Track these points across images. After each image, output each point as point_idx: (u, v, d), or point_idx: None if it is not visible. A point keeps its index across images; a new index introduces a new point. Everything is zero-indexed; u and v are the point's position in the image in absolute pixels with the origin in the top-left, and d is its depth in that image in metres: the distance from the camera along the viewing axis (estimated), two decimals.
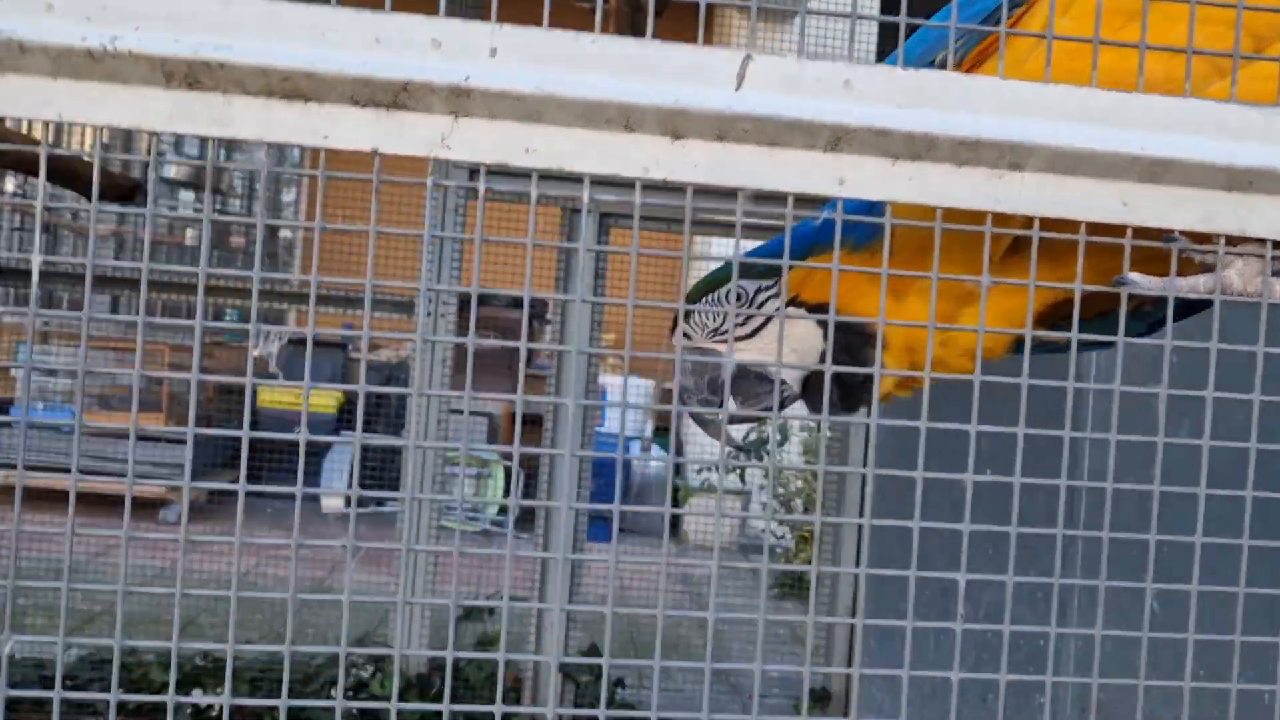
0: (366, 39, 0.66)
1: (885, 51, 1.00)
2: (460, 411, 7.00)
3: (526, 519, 5.83)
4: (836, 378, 0.88)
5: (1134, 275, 0.76)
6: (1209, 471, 0.77)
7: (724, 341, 0.92)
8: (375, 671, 3.98)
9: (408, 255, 4.69)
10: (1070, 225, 0.74)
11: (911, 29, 0.93)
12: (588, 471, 4.20)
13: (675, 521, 7.34)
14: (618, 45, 0.68)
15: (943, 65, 0.86)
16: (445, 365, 3.90)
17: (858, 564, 4.24)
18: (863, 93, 0.70)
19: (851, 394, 0.90)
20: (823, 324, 0.89)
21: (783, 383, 0.91)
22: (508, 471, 7.24)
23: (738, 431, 0.96)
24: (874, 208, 0.87)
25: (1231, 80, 0.80)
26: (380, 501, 6.67)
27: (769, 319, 0.91)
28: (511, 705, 3.86)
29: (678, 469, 7.86)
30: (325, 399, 7.53)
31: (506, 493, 7.41)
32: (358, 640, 4.18)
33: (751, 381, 0.91)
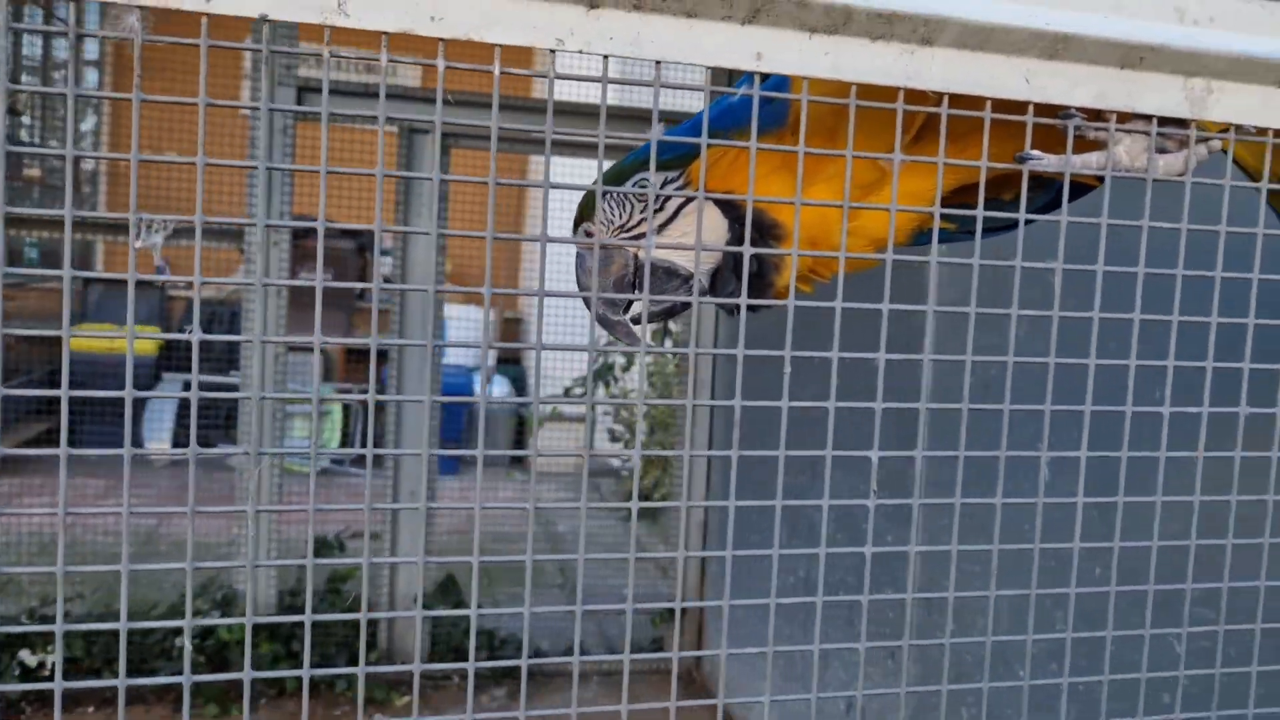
0: None
1: None
2: (296, 349, 6.72)
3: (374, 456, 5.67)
4: (736, 272, 0.87)
5: (1036, 152, 0.78)
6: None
7: (631, 237, 0.90)
8: (223, 616, 3.82)
9: (231, 178, 4.42)
10: (973, 103, 0.75)
11: None
12: (435, 406, 4.11)
13: (521, 446, 7.32)
14: None
15: None
16: (281, 297, 3.72)
17: (707, 489, 4.34)
18: None
19: (755, 290, 0.88)
20: (728, 214, 0.87)
21: (690, 278, 0.89)
22: (345, 409, 7.04)
23: (645, 331, 0.94)
24: (781, 85, 0.86)
25: None
26: (209, 445, 6.37)
27: (676, 212, 0.89)
28: (371, 655, 3.77)
29: (520, 395, 7.83)
30: (143, 341, 7.10)
31: (345, 430, 7.21)
32: (203, 586, 4.01)
33: (660, 277, 0.89)
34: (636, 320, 0.91)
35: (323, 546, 4.29)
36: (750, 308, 0.79)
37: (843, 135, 0.75)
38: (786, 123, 0.88)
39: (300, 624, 3.43)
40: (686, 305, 0.90)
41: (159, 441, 6.75)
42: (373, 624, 4.06)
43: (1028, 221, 0.82)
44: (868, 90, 0.72)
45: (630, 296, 0.89)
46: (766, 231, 0.86)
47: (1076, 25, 0.73)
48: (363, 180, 4.19)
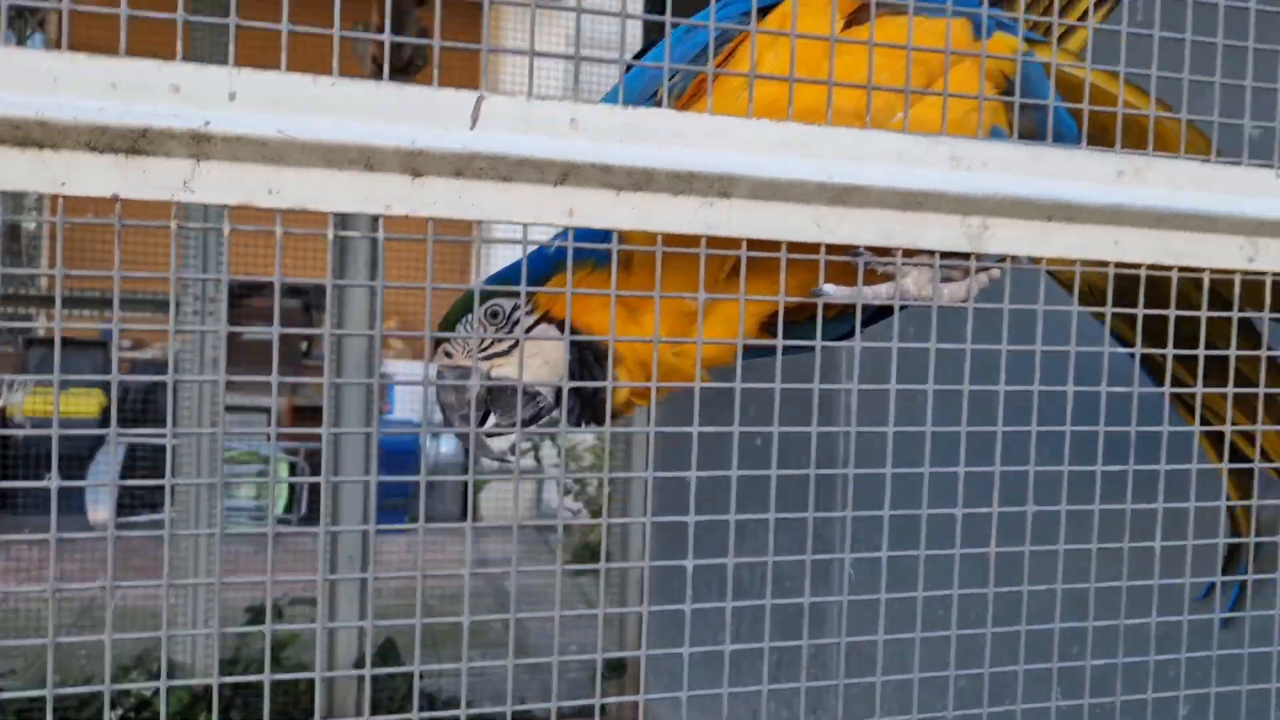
0: (102, 85, 0.67)
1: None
2: (236, 409, 6.69)
3: (314, 513, 5.65)
4: (578, 392, 0.97)
5: (828, 287, 0.87)
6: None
7: (486, 359, 0.98)
8: (156, 691, 3.80)
9: (162, 239, 4.47)
10: (778, 245, 0.84)
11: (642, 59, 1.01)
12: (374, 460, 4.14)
13: (468, 502, 7.34)
14: (357, 87, 0.72)
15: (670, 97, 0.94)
16: (215, 361, 3.75)
17: (644, 552, 4.40)
18: (587, 130, 0.77)
19: (594, 406, 0.97)
20: (571, 360, 0.97)
21: (539, 395, 0.97)
22: (291, 467, 7.01)
23: (503, 442, 1.02)
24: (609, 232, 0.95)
25: (934, 106, 0.93)
26: (154, 508, 6.32)
27: (527, 334, 0.98)
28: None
29: (469, 453, 7.84)
30: (86, 402, 7.04)
31: (291, 488, 7.18)
32: (139, 658, 3.99)
33: (509, 395, 0.97)
34: (493, 435, 0.99)
35: (262, 614, 4.28)
36: (596, 420, 0.90)
37: (669, 270, 0.84)
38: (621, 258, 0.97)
39: (236, 695, 3.40)
40: (538, 416, 0.98)
41: (102, 506, 6.69)
42: (311, 690, 4.05)
43: (805, 349, 0.92)
44: (677, 235, 0.82)
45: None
46: (602, 357, 0.96)
47: (860, 177, 0.82)
48: (300, 237, 4.25)
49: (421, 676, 4.44)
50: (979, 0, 1.02)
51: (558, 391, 0.98)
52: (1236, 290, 0.97)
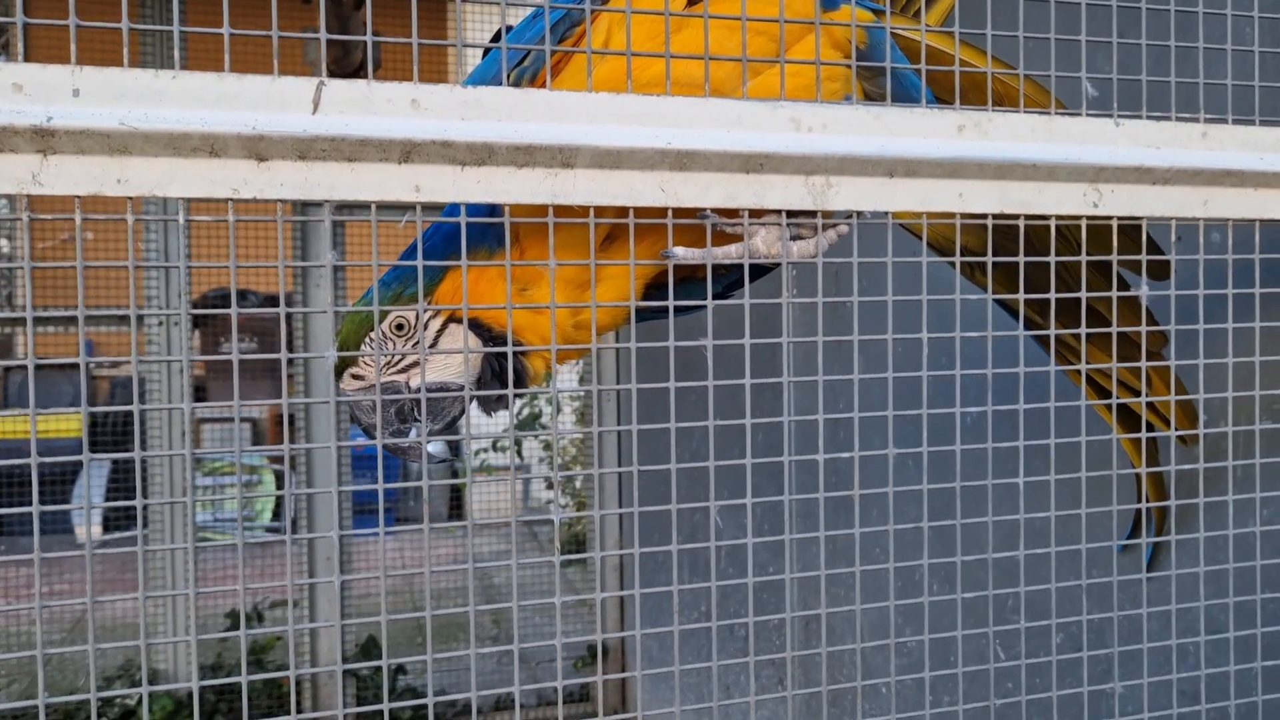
0: None
1: None
2: (217, 420, 6.72)
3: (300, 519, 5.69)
4: (495, 374, 1.00)
5: (677, 249, 0.91)
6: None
7: (400, 372, 1.01)
8: (140, 698, 3.84)
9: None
10: (659, 212, 0.88)
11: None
12: (348, 466, 4.19)
13: (458, 502, 7.38)
14: (197, 79, 0.76)
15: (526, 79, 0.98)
16: (185, 375, 3.77)
17: (620, 536, 4.44)
18: (429, 109, 0.80)
19: (517, 384, 1.01)
20: (475, 331, 1.00)
21: (464, 387, 1.00)
22: (277, 476, 7.04)
23: (438, 446, 1.05)
24: (495, 209, 0.99)
25: (780, 73, 0.96)
26: (142, 521, 6.33)
27: (436, 339, 1.01)
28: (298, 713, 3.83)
29: (455, 452, 7.89)
30: (69, 421, 7.06)
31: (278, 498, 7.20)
32: (123, 667, 4.02)
33: (432, 401, 1.00)
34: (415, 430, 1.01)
35: (237, 620, 4.32)
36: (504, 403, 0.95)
37: (556, 244, 0.89)
38: (510, 238, 1.00)
39: (220, 703, 3.43)
40: (463, 412, 1.02)
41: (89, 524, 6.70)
42: (297, 689, 4.09)
43: (697, 308, 0.96)
44: (567, 207, 0.86)
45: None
46: (506, 340, 0.99)
47: (699, 142, 0.86)
48: (264, 250, 4.28)
49: (405, 671, 4.47)
50: None
51: (476, 383, 1.01)
52: (1114, 239, 1.01)
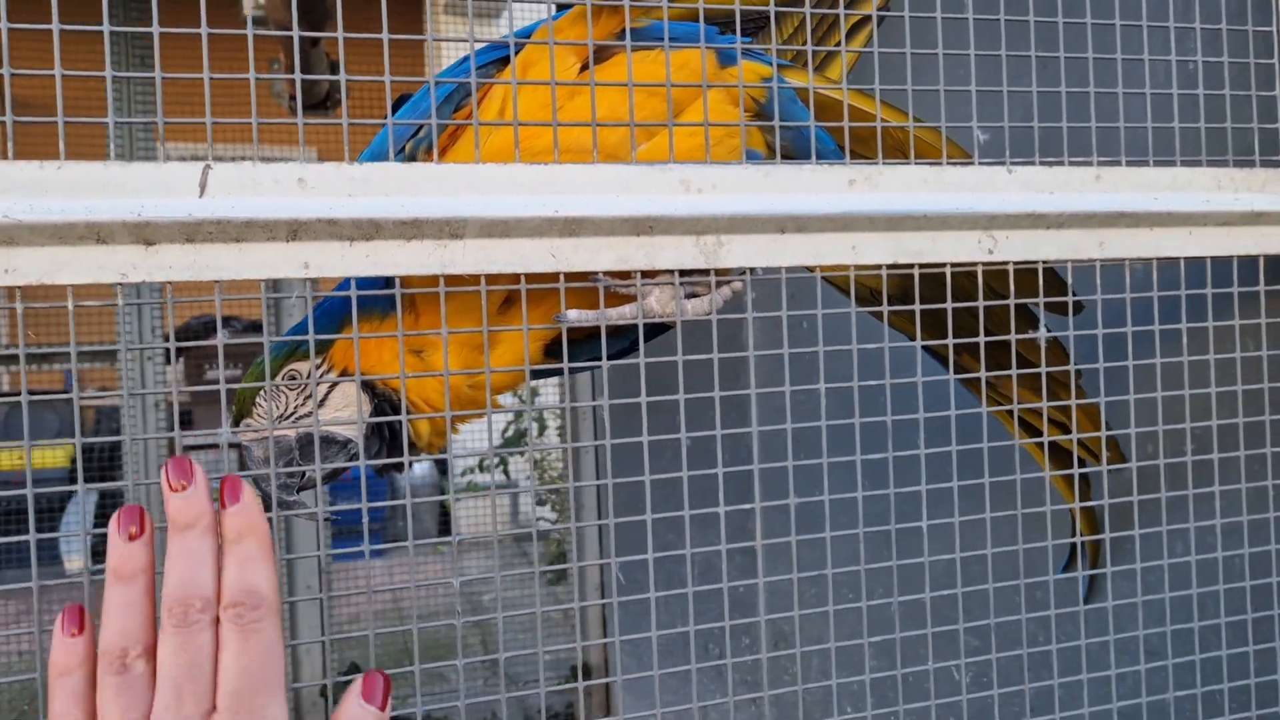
0: None
1: None
2: (203, 447, 6.73)
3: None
4: (380, 435, 1.03)
5: (570, 312, 0.93)
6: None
7: (292, 423, 1.03)
8: None
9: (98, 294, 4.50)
10: (551, 277, 0.90)
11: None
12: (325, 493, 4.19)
13: (446, 522, 7.39)
14: (83, 168, 0.78)
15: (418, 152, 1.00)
16: (159, 410, 3.80)
17: (600, 547, 4.46)
18: (316, 188, 0.82)
19: (398, 448, 1.03)
20: (365, 388, 1.02)
21: (350, 442, 1.02)
22: (265, 498, 7.03)
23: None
24: (389, 280, 1.00)
25: (668, 135, 0.98)
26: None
27: (328, 394, 1.03)
28: None
29: (442, 471, 7.90)
30: (54, 453, 7.07)
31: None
32: None
33: (323, 446, 1.02)
34: (304, 488, 1.03)
35: None
36: (397, 466, 0.97)
37: (452, 309, 0.91)
38: (407, 303, 1.02)
39: None
40: (351, 464, 1.03)
41: (77, 555, 6.71)
42: None
43: (592, 366, 0.98)
44: (458, 276, 0.88)
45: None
46: (397, 406, 1.01)
47: (588, 208, 0.88)
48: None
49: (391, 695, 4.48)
50: (718, 31, 1.08)
51: (367, 435, 1.03)
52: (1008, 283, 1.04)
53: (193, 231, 0.79)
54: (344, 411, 1.03)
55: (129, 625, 0.71)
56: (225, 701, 0.70)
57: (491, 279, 0.90)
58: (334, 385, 1.03)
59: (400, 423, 0.99)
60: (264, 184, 0.81)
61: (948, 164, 0.99)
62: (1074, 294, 1.15)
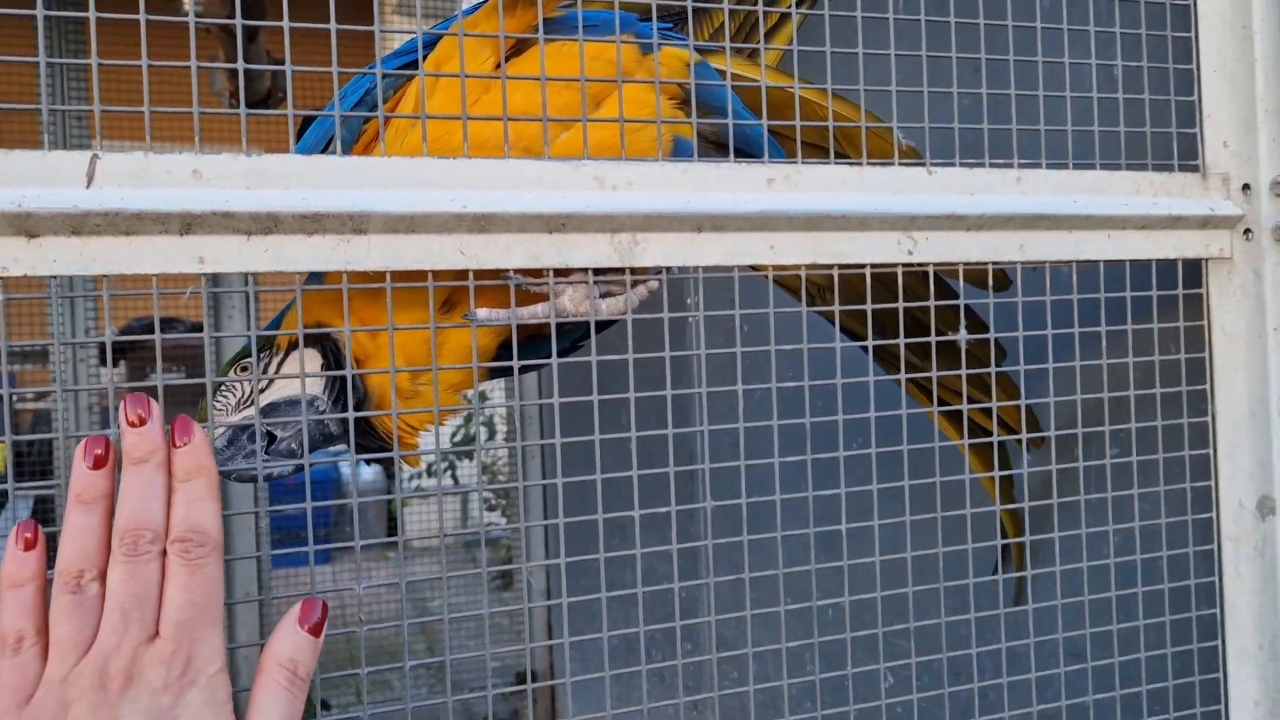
0: None
1: None
2: None
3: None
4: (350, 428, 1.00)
5: (480, 311, 0.91)
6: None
7: (250, 406, 1.00)
8: None
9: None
10: (488, 274, 0.88)
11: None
12: (264, 493, 4.12)
13: (393, 528, 7.30)
14: None
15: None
16: (92, 411, 3.71)
17: (546, 549, 4.43)
18: (211, 179, 0.79)
19: (367, 437, 1.00)
20: (314, 343, 1.00)
21: (323, 423, 0.99)
22: None
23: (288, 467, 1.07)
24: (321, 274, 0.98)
25: (603, 128, 0.97)
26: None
27: (279, 368, 1.01)
28: None
29: (390, 476, 7.81)
30: None
31: None
32: None
33: (285, 410, 0.99)
34: (289, 454, 0.99)
35: None
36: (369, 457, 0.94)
37: (399, 305, 0.89)
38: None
39: None
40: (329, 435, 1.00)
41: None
42: None
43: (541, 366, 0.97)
44: (404, 272, 0.85)
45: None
46: (357, 389, 0.99)
47: (496, 205, 0.86)
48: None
49: (329, 707, 4.40)
50: (638, 18, 1.06)
51: (323, 389, 1.00)
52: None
53: (79, 223, 0.76)
54: (293, 384, 1.01)
55: (87, 547, 0.74)
56: (168, 630, 0.73)
57: (399, 275, 0.87)
58: (284, 359, 1.01)
59: (354, 394, 0.97)
60: (156, 175, 0.78)
61: (868, 164, 0.99)
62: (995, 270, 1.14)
